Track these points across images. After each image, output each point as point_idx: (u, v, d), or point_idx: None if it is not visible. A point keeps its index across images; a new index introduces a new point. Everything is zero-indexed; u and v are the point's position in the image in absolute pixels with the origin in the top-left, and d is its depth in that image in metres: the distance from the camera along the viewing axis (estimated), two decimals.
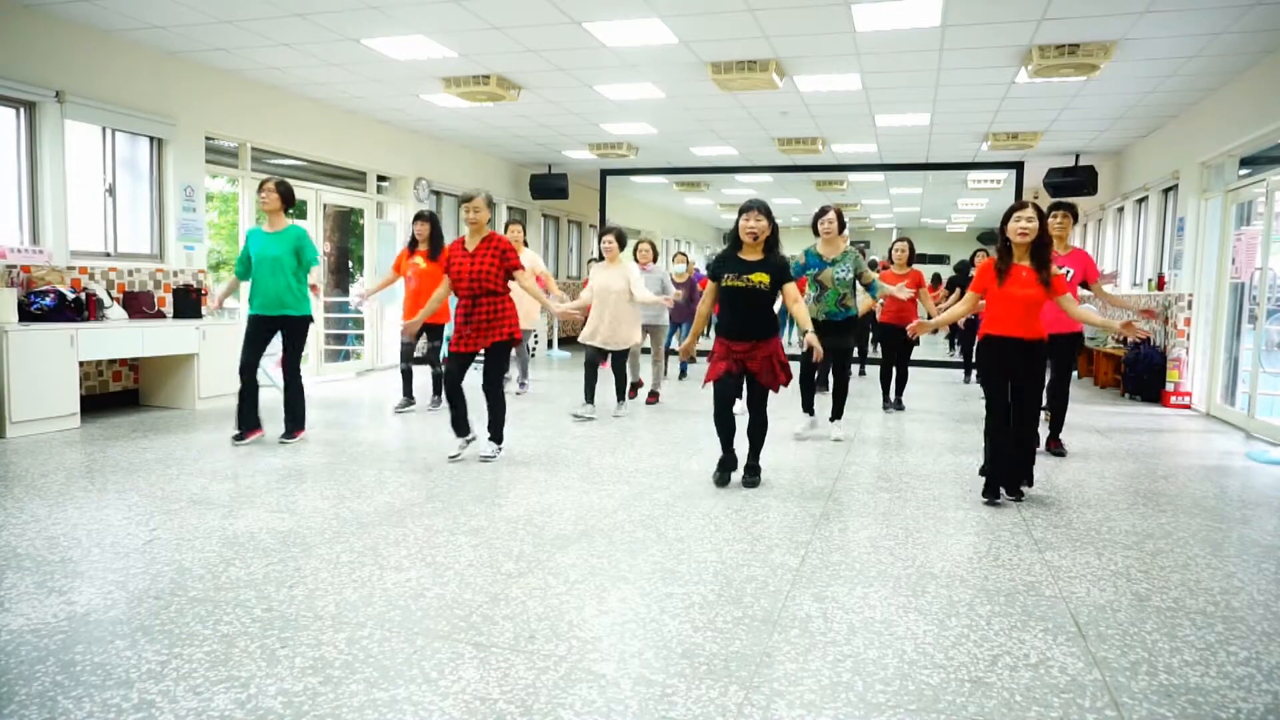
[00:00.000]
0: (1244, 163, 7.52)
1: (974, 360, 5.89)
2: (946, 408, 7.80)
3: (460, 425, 5.11)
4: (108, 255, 6.84)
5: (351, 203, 9.98)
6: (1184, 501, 4.42)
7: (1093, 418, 7.34)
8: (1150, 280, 9.40)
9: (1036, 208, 4.18)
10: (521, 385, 8.22)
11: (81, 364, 6.05)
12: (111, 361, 6.71)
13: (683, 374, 9.85)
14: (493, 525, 3.72)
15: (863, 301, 7.89)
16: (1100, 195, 11.41)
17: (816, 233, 5.95)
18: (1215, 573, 3.30)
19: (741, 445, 4.67)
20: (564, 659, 2.40)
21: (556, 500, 4.17)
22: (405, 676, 2.27)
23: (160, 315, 6.77)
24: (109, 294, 6.42)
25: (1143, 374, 8.47)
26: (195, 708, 2.09)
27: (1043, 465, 5.25)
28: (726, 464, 4.58)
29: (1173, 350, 8.24)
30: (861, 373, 10.44)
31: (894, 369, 7.64)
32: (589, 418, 6.59)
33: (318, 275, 5.57)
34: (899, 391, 7.68)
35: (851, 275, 5.90)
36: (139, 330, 6.34)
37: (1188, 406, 7.98)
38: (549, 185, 12.48)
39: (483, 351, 5.08)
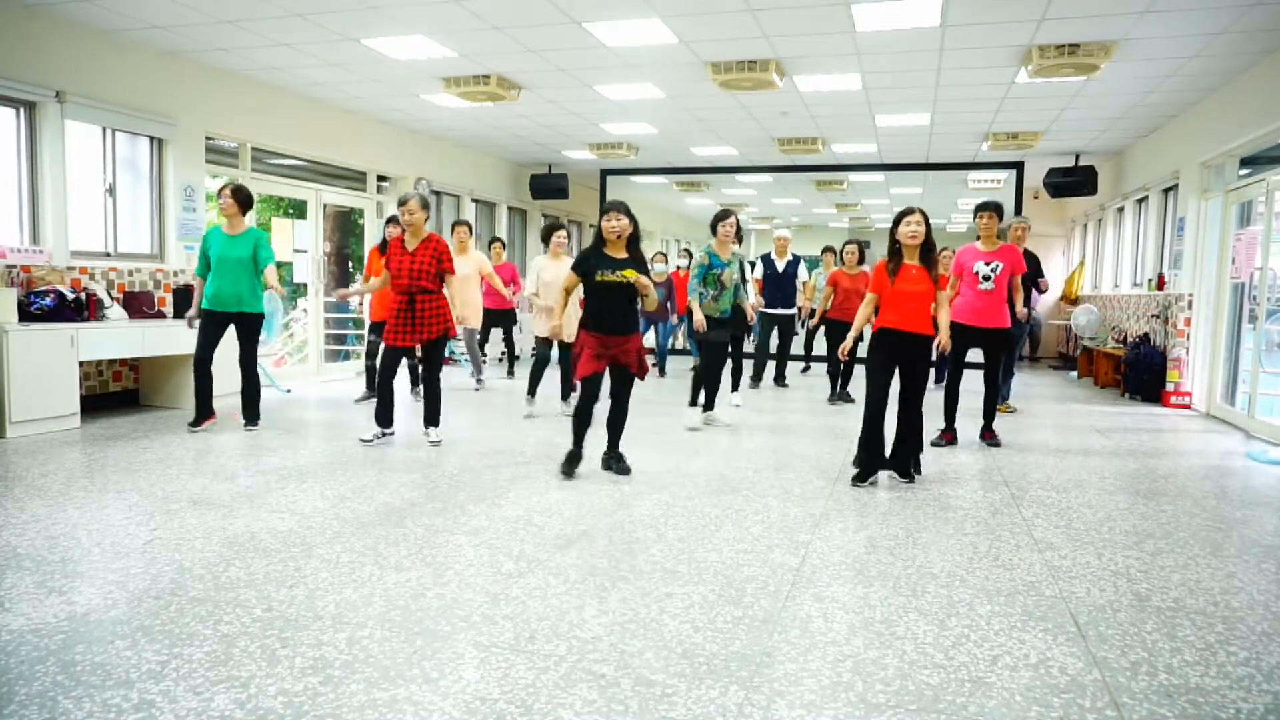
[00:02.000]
0: (1244, 163, 7.52)
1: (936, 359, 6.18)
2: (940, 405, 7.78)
3: (386, 418, 5.48)
4: (108, 255, 6.84)
5: (351, 203, 9.99)
6: (1184, 501, 4.42)
7: (1093, 418, 7.34)
8: (1150, 280, 9.39)
9: (923, 213, 4.54)
10: (479, 381, 8.40)
11: (81, 364, 6.05)
12: (111, 361, 6.70)
13: (662, 372, 9.91)
14: (493, 525, 3.72)
15: (821, 298, 8.26)
16: (1100, 195, 11.41)
17: (714, 233, 6.19)
18: (1215, 573, 3.30)
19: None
20: (564, 659, 2.40)
21: (556, 500, 4.17)
22: (405, 676, 2.27)
23: (160, 315, 6.77)
24: (109, 294, 6.41)
25: (1143, 374, 8.47)
26: (195, 708, 2.09)
27: (1041, 465, 5.26)
28: (576, 458, 4.71)
29: (1173, 350, 8.23)
30: (806, 369, 10.79)
31: (841, 364, 7.96)
32: (535, 415, 6.74)
33: (273, 275, 5.86)
34: (845, 385, 7.99)
35: (739, 276, 6.31)
36: (139, 330, 6.34)
37: (1188, 406, 7.98)
38: (549, 185, 12.49)
39: (419, 349, 5.52)
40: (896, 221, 4.59)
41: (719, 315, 6.15)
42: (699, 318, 6.03)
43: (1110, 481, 4.87)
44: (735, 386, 7.58)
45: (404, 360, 7.43)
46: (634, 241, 4.65)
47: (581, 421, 4.70)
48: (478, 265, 7.90)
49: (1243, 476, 5.15)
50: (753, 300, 8.10)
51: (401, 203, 5.29)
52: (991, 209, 5.78)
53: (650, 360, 9.91)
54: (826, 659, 2.44)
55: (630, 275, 4.52)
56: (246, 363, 5.90)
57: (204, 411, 5.89)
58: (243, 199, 5.77)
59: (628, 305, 4.61)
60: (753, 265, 8.63)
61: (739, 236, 6.34)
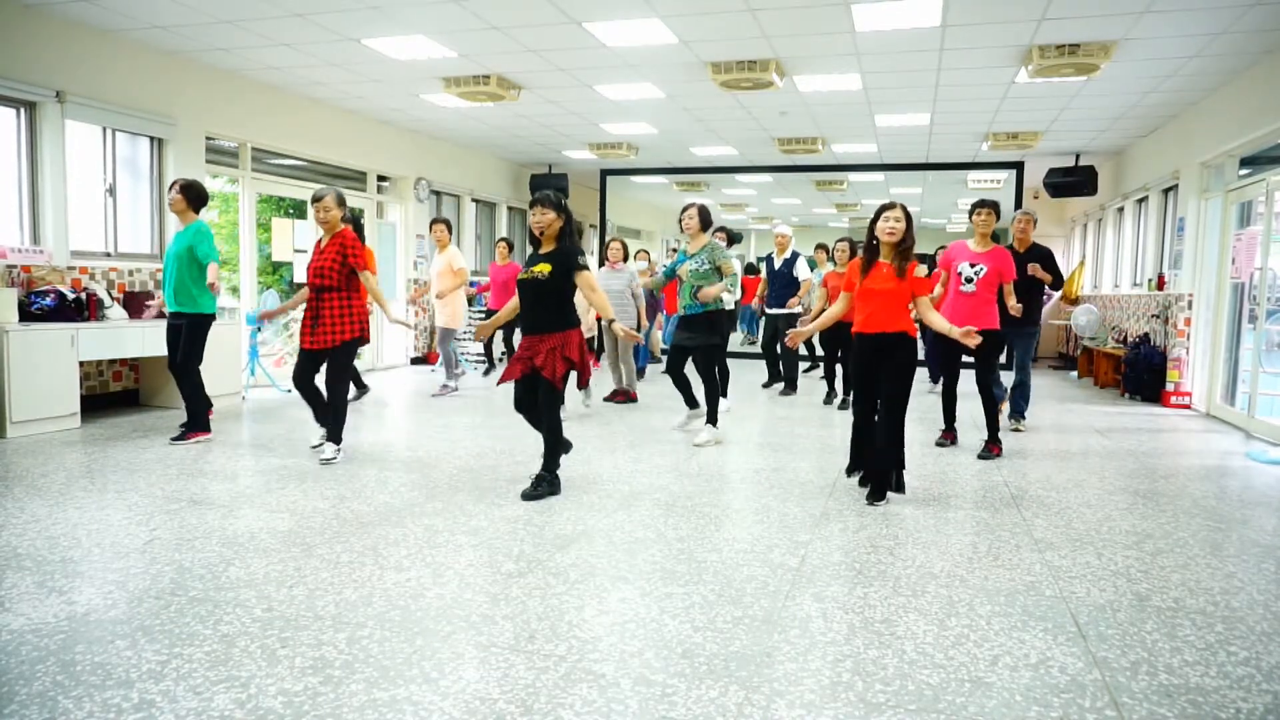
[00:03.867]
0: (1244, 163, 7.52)
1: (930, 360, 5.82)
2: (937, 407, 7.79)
3: (322, 419, 5.18)
4: (108, 255, 6.84)
5: (352, 203, 9.97)
6: (1184, 501, 4.42)
7: (1093, 418, 7.34)
8: (1150, 280, 9.40)
9: (904, 209, 4.26)
10: (444, 386, 8.04)
11: (82, 364, 6.05)
12: (112, 361, 6.70)
13: (640, 374, 9.86)
14: (493, 525, 3.72)
15: (816, 299, 8.06)
16: (1100, 195, 11.41)
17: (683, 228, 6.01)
18: (1215, 573, 3.30)
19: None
20: (564, 659, 2.40)
21: (556, 500, 4.17)
22: (405, 676, 2.27)
23: (161, 315, 6.76)
24: (109, 294, 6.42)
25: (1143, 374, 8.47)
26: (195, 708, 2.09)
27: (1041, 465, 5.26)
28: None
29: (1173, 350, 8.24)
30: (811, 369, 10.59)
31: (836, 365, 7.79)
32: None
33: (214, 273, 5.46)
34: (835, 385, 7.90)
35: (708, 268, 5.84)
36: (139, 330, 6.33)
37: (1188, 406, 7.98)
38: (549, 185, 12.48)
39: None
40: (876, 216, 4.29)
41: (684, 313, 5.92)
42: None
43: (1110, 481, 4.87)
44: (723, 394, 6.65)
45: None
46: (565, 234, 4.28)
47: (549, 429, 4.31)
48: (447, 262, 7.80)
49: (1242, 476, 5.15)
50: (726, 301, 7.84)
51: (317, 199, 4.98)
52: (990, 206, 5.51)
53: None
54: (826, 659, 2.44)
55: (538, 270, 4.18)
56: (180, 364, 5.47)
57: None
58: (193, 196, 5.43)
59: (541, 302, 4.21)
60: (750, 267, 8.57)
61: (729, 234, 6.24)
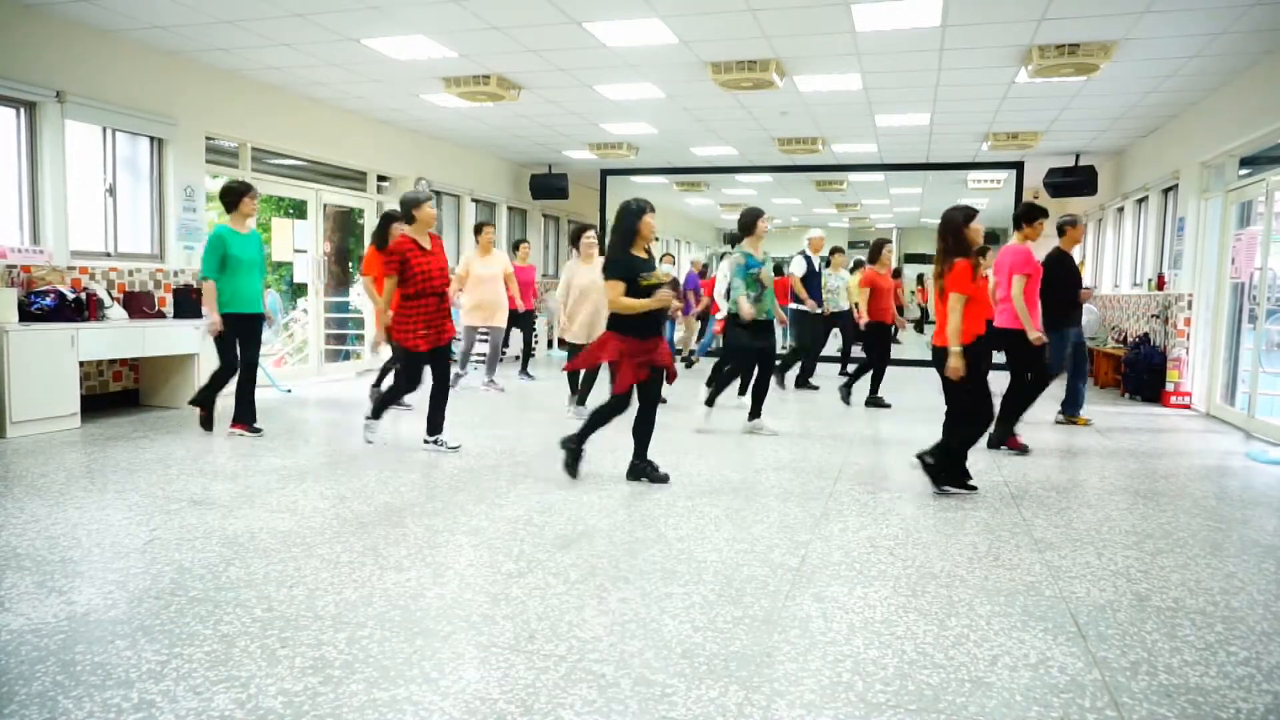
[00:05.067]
0: (1244, 162, 7.52)
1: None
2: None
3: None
4: (108, 255, 6.84)
5: (351, 203, 9.98)
6: (1184, 501, 4.42)
7: (1092, 417, 7.33)
8: (1150, 280, 9.39)
9: None
10: (491, 382, 8.38)
11: (82, 364, 6.04)
12: (112, 361, 6.70)
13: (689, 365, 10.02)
14: (493, 525, 3.72)
15: (844, 299, 8.25)
16: (1100, 195, 11.40)
17: (751, 231, 5.96)
18: (1215, 573, 3.30)
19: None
20: (564, 659, 2.40)
21: (556, 500, 4.17)
22: (405, 676, 2.28)
23: (160, 315, 6.77)
24: (109, 294, 6.41)
25: (1143, 374, 8.47)
26: (195, 708, 2.09)
27: (1041, 465, 5.27)
28: (580, 456, 4.64)
29: (1173, 350, 8.24)
30: (844, 372, 10.42)
31: (862, 364, 8.00)
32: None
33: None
34: (876, 387, 7.90)
35: (771, 275, 6.18)
36: (139, 330, 6.34)
37: (1188, 406, 7.98)
38: (549, 185, 12.49)
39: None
40: (967, 220, 4.26)
41: (763, 318, 5.92)
42: (748, 310, 5.78)
43: (1110, 481, 4.87)
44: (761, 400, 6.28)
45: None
46: None
47: (600, 425, 4.56)
48: (502, 266, 8.08)
49: (1242, 476, 5.15)
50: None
51: (425, 199, 5.18)
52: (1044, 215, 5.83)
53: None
54: (826, 659, 2.45)
55: (663, 276, 4.45)
56: (255, 362, 5.82)
57: (246, 415, 5.77)
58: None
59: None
60: (777, 267, 8.66)
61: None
